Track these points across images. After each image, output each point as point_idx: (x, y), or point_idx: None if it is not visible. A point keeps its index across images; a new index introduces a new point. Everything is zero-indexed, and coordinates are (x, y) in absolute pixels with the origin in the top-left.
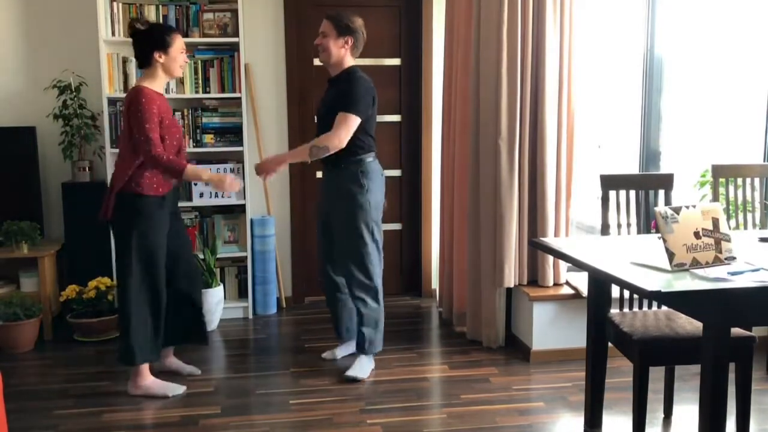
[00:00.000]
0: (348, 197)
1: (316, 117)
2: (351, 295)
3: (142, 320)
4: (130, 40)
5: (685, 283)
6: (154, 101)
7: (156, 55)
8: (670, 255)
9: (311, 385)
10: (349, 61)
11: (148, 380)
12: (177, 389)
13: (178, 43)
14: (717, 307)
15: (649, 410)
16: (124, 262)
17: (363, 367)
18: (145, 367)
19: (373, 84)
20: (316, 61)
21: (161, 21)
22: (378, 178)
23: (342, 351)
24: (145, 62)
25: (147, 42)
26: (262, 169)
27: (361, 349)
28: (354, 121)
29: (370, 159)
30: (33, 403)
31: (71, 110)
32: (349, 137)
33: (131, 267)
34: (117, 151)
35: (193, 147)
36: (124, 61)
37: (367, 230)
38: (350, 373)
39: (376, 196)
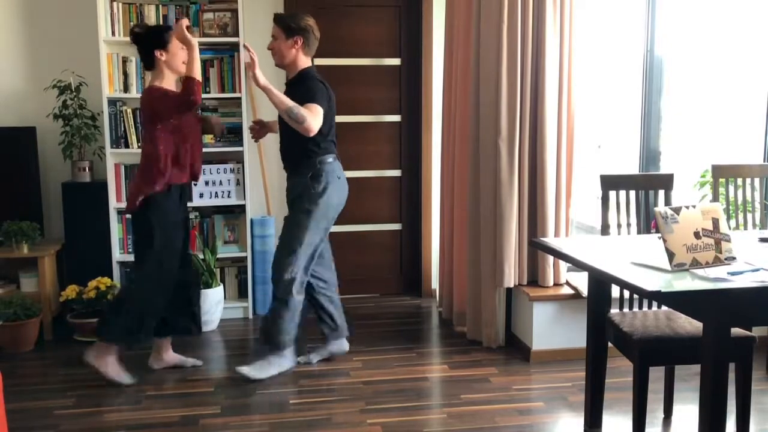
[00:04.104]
0: (297, 201)
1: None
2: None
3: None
4: (130, 39)
5: (685, 283)
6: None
7: (157, 54)
8: (670, 255)
9: (311, 385)
10: (304, 62)
11: (111, 359)
12: (128, 379)
13: (175, 40)
14: (717, 307)
15: (649, 410)
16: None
17: (263, 367)
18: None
19: (328, 86)
20: (315, 61)
21: (161, 21)
22: (335, 180)
23: (316, 356)
24: (149, 64)
25: (147, 43)
26: (251, 63)
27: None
28: (319, 110)
29: (330, 160)
30: (33, 403)
31: (71, 110)
32: (319, 125)
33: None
34: (117, 151)
35: None
36: (124, 61)
37: (305, 234)
38: (243, 369)
39: (329, 200)
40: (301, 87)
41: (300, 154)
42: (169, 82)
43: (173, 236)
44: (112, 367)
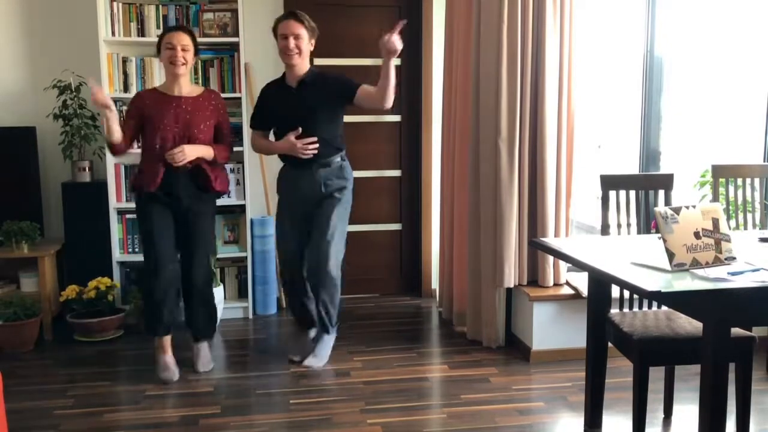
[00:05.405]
0: (334, 195)
1: (276, 125)
2: (318, 282)
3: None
4: (130, 39)
5: (685, 283)
6: (133, 102)
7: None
8: (670, 255)
9: (311, 385)
10: (308, 61)
11: (163, 358)
12: (170, 375)
13: (163, 41)
14: (717, 307)
15: (649, 410)
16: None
17: (323, 351)
18: (162, 343)
19: None
20: (315, 61)
21: (161, 21)
22: (352, 176)
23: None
24: None
25: None
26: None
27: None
28: None
29: (345, 156)
30: (33, 403)
31: (71, 110)
32: None
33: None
34: None
35: None
36: (124, 61)
37: (345, 226)
38: (311, 363)
39: (353, 194)
40: (330, 80)
41: (332, 149)
42: (170, 83)
43: (146, 227)
44: (160, 362)
